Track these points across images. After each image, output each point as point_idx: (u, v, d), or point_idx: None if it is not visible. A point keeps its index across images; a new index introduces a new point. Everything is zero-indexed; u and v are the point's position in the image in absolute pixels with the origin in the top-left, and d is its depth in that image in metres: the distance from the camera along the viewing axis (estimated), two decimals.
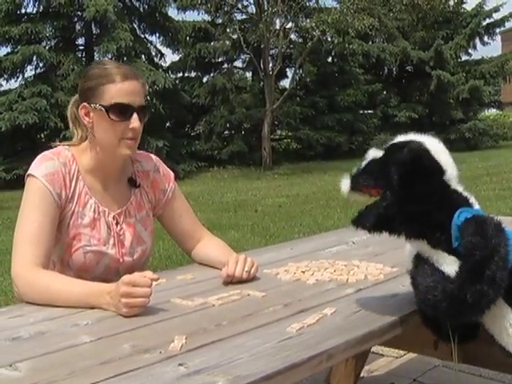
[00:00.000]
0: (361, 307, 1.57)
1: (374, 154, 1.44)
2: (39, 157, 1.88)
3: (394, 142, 1.47)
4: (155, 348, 1.31)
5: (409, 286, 1.72)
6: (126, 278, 1.56)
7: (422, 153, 1.39)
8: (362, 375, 3.00)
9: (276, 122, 19.45)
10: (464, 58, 23.90)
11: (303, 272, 1.92)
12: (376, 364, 3.22)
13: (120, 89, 1.82)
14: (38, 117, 14.19)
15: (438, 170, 1.41)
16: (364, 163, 1.44)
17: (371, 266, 1.97)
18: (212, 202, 10.62)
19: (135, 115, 1.83)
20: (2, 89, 16.35)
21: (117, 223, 1.94)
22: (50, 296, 1.64)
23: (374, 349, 3.10)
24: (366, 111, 21.92)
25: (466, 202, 1.45)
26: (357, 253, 2.21)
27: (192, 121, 19.54)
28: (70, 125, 2.00)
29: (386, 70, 23.66)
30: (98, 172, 1.93)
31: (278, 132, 21.31)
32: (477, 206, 1.48)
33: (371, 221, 1.40)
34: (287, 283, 1.84)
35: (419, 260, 1.50)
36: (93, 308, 1.58)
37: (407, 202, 1.39)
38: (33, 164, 1.86)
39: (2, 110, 14.59)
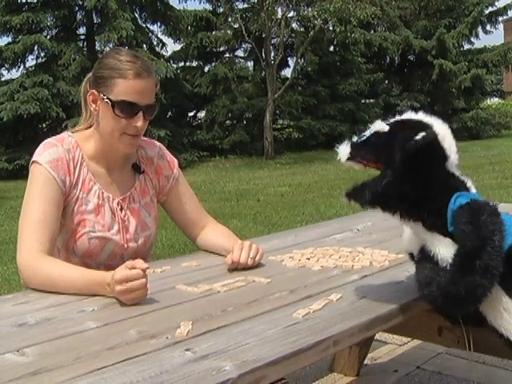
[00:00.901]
0: (366, 293, 1.57)
1: (380, 126, 1.39)
2: (43, 144, 1.88)
3: (400, 118, 1.43)
4: (162, 333, 1.32)
5: (414, 273, 1.73)
6: (118, 276, 1.52)
7: (433, 140, 1.36)
8: (365, 362, 3.01)
9: (278, 112, 19.39)
10: (466, 46, 23.80)
11: (308, 259, 1.92)
12: (379, 351, 3.22)
13: (130, 86, 1.80)
14: (39, 106, 14.14)
15: (443, 157, 1.40)
16: (368, 133, 1.40)
17: (376, 253, 1.97)
18: (214, 191, 10.62)
19: (140, 114, 1.83)
20: (4, 78, 16.32)
21: (121, 209, 1.94)
22: (53, 283, 1.64)
23: (377, 336, 3.10)
24: (367, 100, 21.85)
25: (463, 186, 1.43)
26: (361, 240, 2.21)
27: (194, 110, 19.50)
28: (82, 102, 1.99)
29: (388, 59, 23.53)
30: (101, 159, 1.93)
31: (280, 121, 21.25)
32: (474, 190, 1.46)
33: (367, 197, 1.39)
34: (292, 270, 1.84)
35: (421, 254, 1.49)
36: (96, 295, 1.58)
37: (407, 183, 1.37)
38: (36, 151, 1.87)
39: (4, 100, 14.52)
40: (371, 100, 21.95)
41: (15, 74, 15.91)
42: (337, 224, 2.60)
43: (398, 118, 1.45)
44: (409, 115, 1.45)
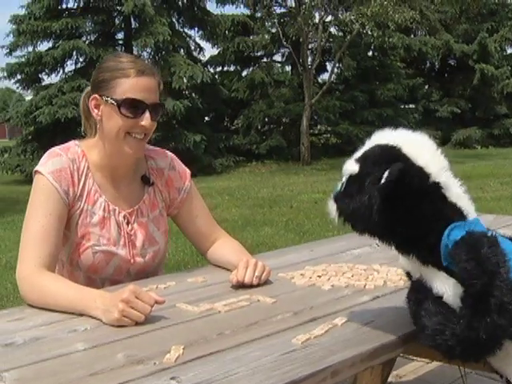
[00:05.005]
0: (375, 317, 1.47)
1: (351, 169, 1.30)
2: (47, 153, 1.83)
3: (366, 150, 1.32)
4: (150, 359, 1.24)
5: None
6: (132, 286, 1.50)
7: (401, 171, 1.23)
8: (389, 380, 2.88)
9: (315, 117, 19.26)
10: (509, 50, 23.38)
11: (319, 276, 1.83)
12: (405, 369, 3.09)
13: (133, 84, 1.75)
14: (77, 111, 14.26)
15: (423, 177, 1.27)
16: (344, 179, 1.32)
17: (392, 271, 1.86)
18: (248, 197, 10.54)
19: (147, 113, 1.77)
20: (44, 83, 16.54)
21: (128, 223, 1.87)
22: (47, 300, 1.59)
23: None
24: (407, 106, 21.56)
25: (458, 215, 1.30)
26: (379, 256, 2.09)
27: (231, 115, 19.49)
28: (82, 118, 1.94)
29: (428, 64, 23.25)
30: (107, 168, 1.86)
31: (318, 127, 21.10)
32: (472, 216, 1.32)
33: (359, 229, 1.31)
34: (301, 288, 1.74)
35: (419, 292, 1.37)
36: (82, 315, 1.51)
37: (392, 222, 1.26)
38: (41, 160, 1.82)
39: (43, 104, 14.76)
40: (410, 105, 21.65)
41: (55, 78, 16.11)
42: (356, 238, 2.48)
43: (364, 149, 1.33)
44: (376, 139, 1.34)
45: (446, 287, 1.28)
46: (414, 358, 3.16)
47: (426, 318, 1.31)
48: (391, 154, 1.27)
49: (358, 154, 1.33)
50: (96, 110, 1.81)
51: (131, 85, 1.75)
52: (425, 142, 1.32)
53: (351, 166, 1.30)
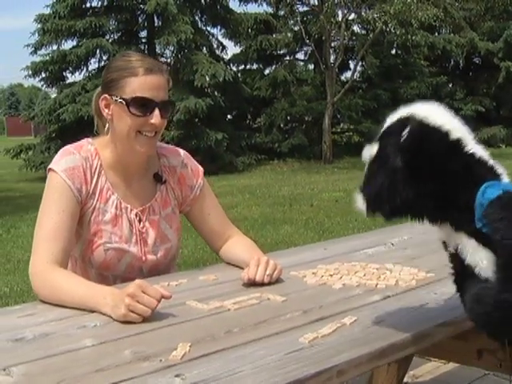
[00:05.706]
0: (384, 317, 1.45)
1: (369, 151, 1.27)
2: (61, 151, 1.85)
3: (384, 127, 1.29)
4: (156, 356, 1.25)
5: (441, 295, 1.60)
6: (139, 281, 1.50)
7: (418, 132, 1.21)
8: (405, 381, 2.86)
9: (338, 116, 19.18)
10: None
11: (331, 275, 1.82)
12: (421, 369, 3.08)
13: (142, 82, 1.77)
14: None
15: (441, 136, 1.22)
16: (365, 168, 1.28)
17: (405, 271, 1.84)
18: (268, 195, 10.54)
19: (157, 111, 1.78)
20: (68, 81, 16.69)
21: (139, 220, 1.88)
22: (59, 296, 1.60)
23: None
24: None
25: (491, 174, 1.24)
26: (393, 255, 2.08)
27: (253, 113, 19.48)
28: (95, 116, 1.96)
29: (452, 62, 23.00)
30: (120, 167, 1.87)
31: (340, 125, 21.00)
32: (505, 178, 1.26)
33: (387, 212, 1.25)
34: (312, 287, 1.74)
35: (464, 273, 1.29)
36: (93, 311, 1.52)
37: (419, 184, 1.21)
38: (54, 158, 1.84)
39: (66, 102, 14.90)
40: None
41: (79, 77, 16.24)
42: (371, 237, 2.48)
43: (383, 127, 1.30)
44: (390, 118, 1.30)
45: (479, 256, 1.22)
46: (431, 358, 3.13)
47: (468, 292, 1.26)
48: (404, 123, 1.25)
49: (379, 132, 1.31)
50: (106, 110, 1.82)
51: (140, 83, 1.77)
52: (435, 106, 1.29)
53: (369, 149, 1.27)
